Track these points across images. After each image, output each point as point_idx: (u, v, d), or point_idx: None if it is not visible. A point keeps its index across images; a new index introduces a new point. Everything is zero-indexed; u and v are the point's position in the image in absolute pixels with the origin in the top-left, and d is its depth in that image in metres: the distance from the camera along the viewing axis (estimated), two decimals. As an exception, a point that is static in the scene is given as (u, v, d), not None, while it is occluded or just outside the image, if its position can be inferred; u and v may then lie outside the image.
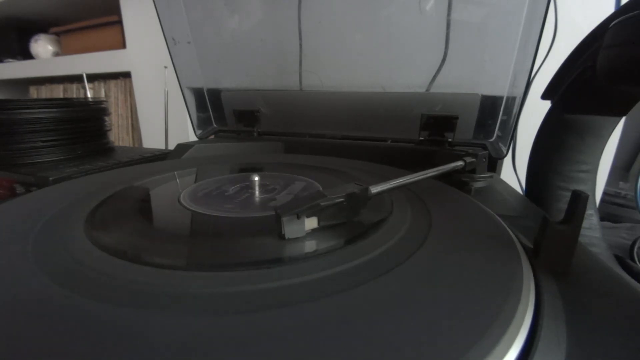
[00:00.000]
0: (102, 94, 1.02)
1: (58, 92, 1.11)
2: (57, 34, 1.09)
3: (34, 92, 1.19)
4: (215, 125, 0.58)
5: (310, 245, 0.17)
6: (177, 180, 0.30)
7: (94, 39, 0.98)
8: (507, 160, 0.43)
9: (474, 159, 0.31)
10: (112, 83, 1.01)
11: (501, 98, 0.39)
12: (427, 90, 0.42)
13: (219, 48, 0.52)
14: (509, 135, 0.38)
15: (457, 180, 0.32)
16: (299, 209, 0.17)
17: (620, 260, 0.32)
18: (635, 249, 0.37)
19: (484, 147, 0.39)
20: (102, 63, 0.95)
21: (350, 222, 0.19)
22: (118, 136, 1.02)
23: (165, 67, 0.61)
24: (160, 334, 0.10)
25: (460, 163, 0.30)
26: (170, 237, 0.19)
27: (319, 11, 0.45)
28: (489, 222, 0.20)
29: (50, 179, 0.33)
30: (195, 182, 0.30)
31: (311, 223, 0.18)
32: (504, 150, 0.38)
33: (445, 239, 0.18)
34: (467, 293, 0.13)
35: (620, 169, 0.61)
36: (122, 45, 0.92)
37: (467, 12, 0.38)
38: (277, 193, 0.26)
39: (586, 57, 0.27)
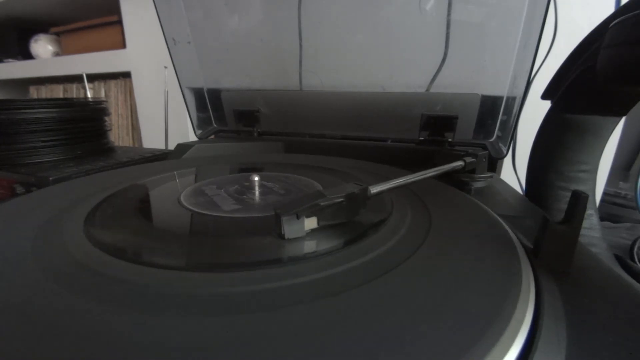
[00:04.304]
0: (102, 94, 1.02)
1: (58, 92, 1.11)
2: (57, 34, 1.09)
3: (34, 92, 1.19)
4: (215, 125, 0.58)
5: (309, 246, 0.17)
6: (177, 180, 0.30)
7: (94, 39, 0.98)
8: (507, 160, 0.43)
9: (474, 159, 0.31)
10: (112, 83, 1.01)
11: (501, 98, 0.39)
12: (427, 90, 0.42)
13: (219, 48, 0.52)
14: (509, 135, 0.38)
15: (457, 180, 0.32)
16: (298, 209, 0.17)
17: (620, 260, 0.32)
18: (635, 249, 0.37)
19: (484, 147, 0.39)
20: (102, 63, 0.95)
21: (350, 222, 0.19)
22: (118, 136, 1.02)
23: (165, 67, 0.61)
24: (160, 334, 0.10)
25: (460, 163, 0.30)
26: (170, 237, 0.19)
27: (319, 11, 0.45)
28: (489, 222, 0.20)
29: (50, 179, 0.33)
30: (195, 182, 0.30)
31: (311, 223, 0.18)
32: (504, 150, 0.38)
33: (445, 238, 0.18)
34: (467, 293, 0.13)
35: (620, 169, 0.61)
36: (122, 45, 0.92)
37: (467, 12, 0.38)
38: (277, 193, 0.26)
39: (586, 57, 0.27)
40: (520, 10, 0.34)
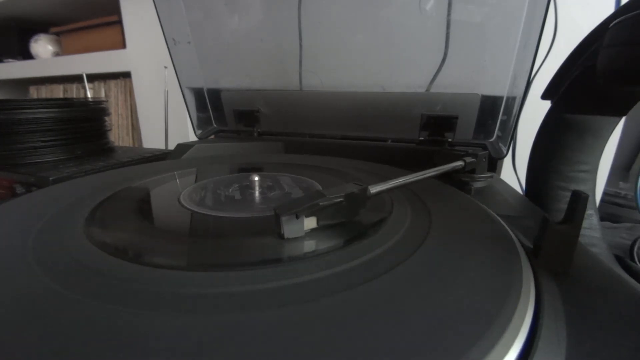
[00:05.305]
0: (102, 94, 1.02)
1: (58, 92, 1.11)
2: (57, 34, 1.09)
3: (34, 92, 1.19)
4: (215, 125, 0.58)
5: (309, 245, 0.17)
6: (177, 180, 0.30)
7: (94, 39, 0.98)
8: (507, 160, 0.43)
9: (474, 159, 0.31)
10: (112, 83, 1.01)
11: (501, 98, 0.39)
12: (427, 90, 0.42)
13: (219, 48, 0.52)
14: (509, 135, 0.38)
15: (457, 180, 0.32)
16: (298, 209, 0.17)
17: (620, 260, 0.32)
18: (635, 249, 0.37)
19: (484, 147, 0.39)
20: (102, 63, 0.95)
21: (349, 222, 0.19)
22: (118, 136, 1.02)
23: (165, 67, 0.61)
24: (160, 334, 0.10)
25: (460, 163, 0.30)
26: (171, 237, 0.19)
27: (319, 11, 0.45)
28: (489, 222, 0.20)
29: (50, 179, 0.33)
30: (195, 182, 0.30)
31: (310, 223, 0.18)
32: (504, 150, 0.38)
33: (445, 239, 0.18)
34: (467, 293, 0.13)
35: (620, 169, 0.61)
36: (122, 45, 0.92)
37: (467, 12, 0.38)
38: (277, 193, 0.26)
39: (586, 57, 0.27)
40: (520, 10, 0.34)
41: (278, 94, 0.51)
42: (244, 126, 0.53)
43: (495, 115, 0.39)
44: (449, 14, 0.38)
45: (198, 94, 0.55)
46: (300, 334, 0.10)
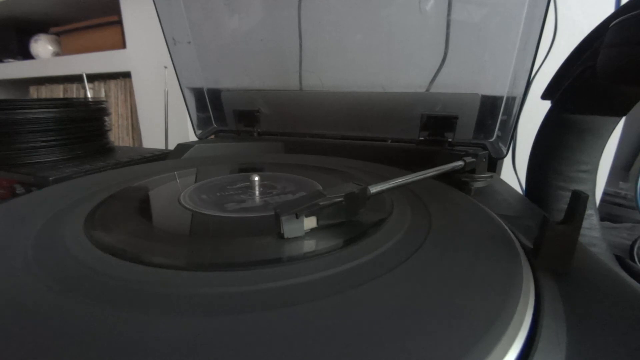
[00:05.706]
0: (102, 94, 1.02)
1: (58, 92, 1.11)
2: (57, 34, 1.09)
3: (34, 92, 1.19)
4: (215, 125, 0.58)
5: (309, 245, 0.17)
6: (177, 180, 0.30)
7: (94, 39, 0.98)
8: (507, 160, 0.43)
9: (473, 159, 0.31)
10: (112, 83, 1.01)
11: (501, 98, 0.39)
12: (427, 90, 0.42)
13: (219, 48, 0.52)
14: (509, 135, 0.38)
15: (457, 180, 0.32)
16: (297, 209, 0.17)
17: (620, 260, 0.32)
18: (635, 249, 0.37)
19: (484, 147, 0.39)
20: (102, 63, 0.95)
21: (349, 222, 0.19)
22: (118, 136, 1.02)
23: (165, 67, 0.61)
24: (161, 335, 0.10)
25: (460, 163, 0.30)
26: (171, 237, 0.19)
27: (319, 11, 0.45)
28: (489, 222, 0.20)
29: (50, 179, 0.33)
30: (196, 182, 0.30)
31: (310, 222, 0.18)
32: (504, 150, 0.38)
33: (445, 239, 0.18)
34: (467, 293, 0.13)
35: (620, 169, 0.61)
36: (122, 45, 0.92)
37: (467, 12, 0.38)
38: (277, 193, 0.26)
39: (586, 57, 0.27)
40: (520, 10, 0.34)
41: (278, 94, 0.51)
42: (244, 126, 0.53)
43: (495, 115, 0.39)
44: (449, 14, 0.38)
45: (198, 94, 0.55)
46: (300, 334, 0.10)
